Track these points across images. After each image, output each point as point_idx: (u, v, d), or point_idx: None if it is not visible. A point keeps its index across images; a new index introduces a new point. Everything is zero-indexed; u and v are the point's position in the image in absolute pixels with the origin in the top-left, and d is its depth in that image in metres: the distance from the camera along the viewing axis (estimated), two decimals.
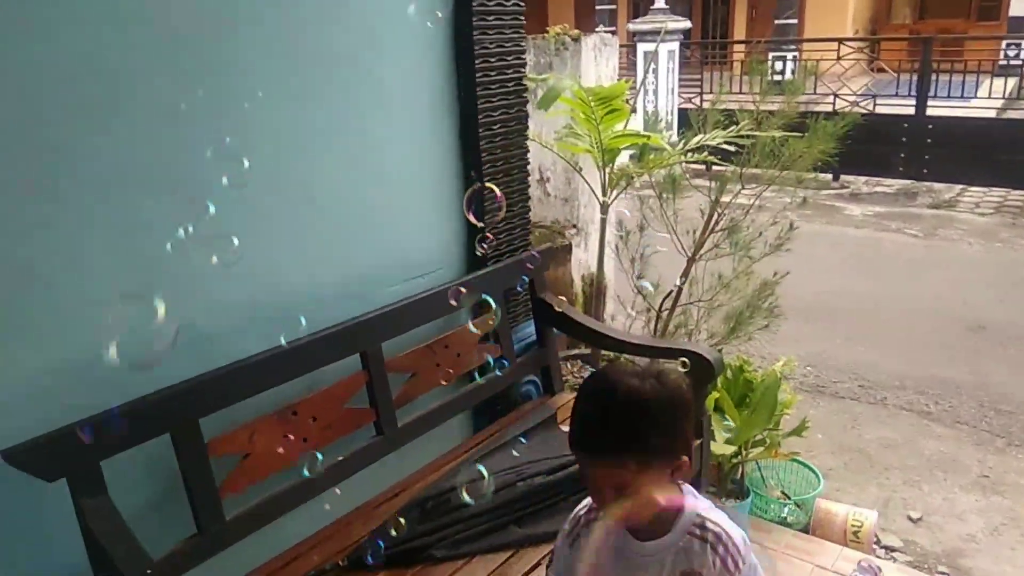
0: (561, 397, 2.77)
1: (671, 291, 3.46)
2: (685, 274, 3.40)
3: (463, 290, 2.29)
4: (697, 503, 1.38)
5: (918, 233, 7.30)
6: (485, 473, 2.16)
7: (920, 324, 5.14)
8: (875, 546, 2.86)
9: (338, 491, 2.04)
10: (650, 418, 1.28)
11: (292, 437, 1.94)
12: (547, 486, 2.10)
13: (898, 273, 6.20)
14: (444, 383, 2.38)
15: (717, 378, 2.43)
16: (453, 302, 1.97)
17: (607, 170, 3.32)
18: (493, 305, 1.96)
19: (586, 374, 3.37)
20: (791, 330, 3.62)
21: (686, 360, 2.02)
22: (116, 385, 1.65)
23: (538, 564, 1.90)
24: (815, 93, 8.64)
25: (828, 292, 5.49)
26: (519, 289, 2.70)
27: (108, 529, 1.54)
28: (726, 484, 2.88)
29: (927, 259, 6.58)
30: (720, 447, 2.72)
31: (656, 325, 3.46)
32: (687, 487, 1.39)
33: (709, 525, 1.35)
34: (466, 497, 2.05)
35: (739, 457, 2.84)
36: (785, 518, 2.96)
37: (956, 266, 6.34)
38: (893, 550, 2.94)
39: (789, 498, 3.01)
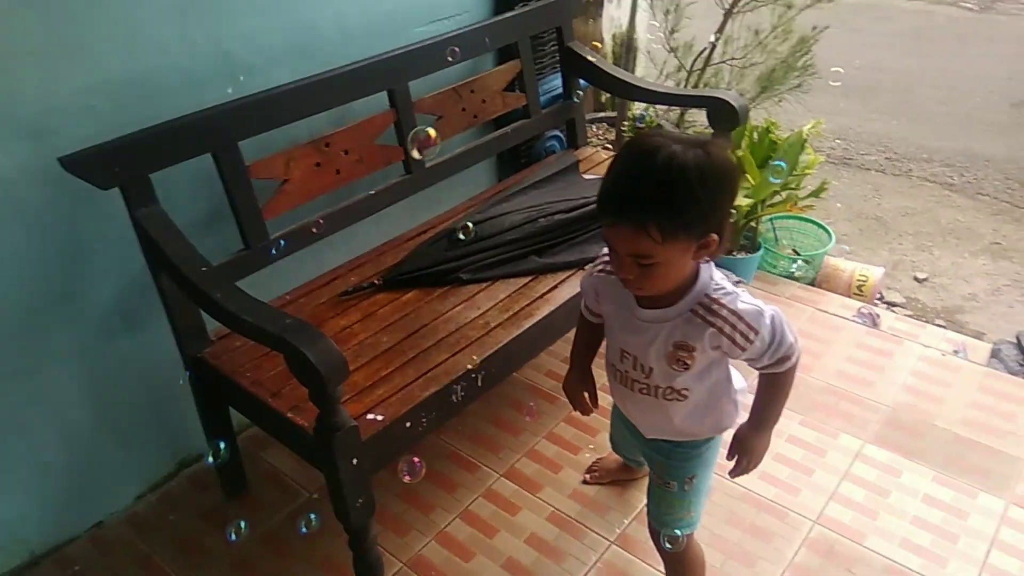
0: (585, 151, 2.82)
1: (704, 49, 3.37)
2: (720, 30, 3.28)
3: (487, 39, 2.27)
4: (711, 283, 1.33)
5: (974, 7, 6.81)
6: (508, 209, 2.29)
7: (960, 99, 4.98)
8: (878, 301, 3.02)
9: (371, 223, 2.20)
10: (686, 186, 1.18)
11: (326, 167, 2.05)
12: (566, 222, 2.22)
13: (946, 48, 5.89)
14: (470, 127, 2.44)
15: (741, 125, 2.45)
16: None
17: None
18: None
19: (611, 136, 3.39)
20: (824, 103, 3.55)
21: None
22: (162, 105, 1.76)
23: (555, 287, 2.07)
24: None
25: (869, 66, 5.27)
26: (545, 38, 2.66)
27: (163, 232, 1.69)
28: (739, 238, 3.00)
29: (979, 33, 6.21)
30: (738, 199, 2.80)
31: (686, 84, 3.41)
32: (710, 266, 1.34)
33: (715, 307, 1.30)
34: (490, 229, 2.20)
35: (757, 212, 2.93)
36: (793, 273, 3.10)
37: (1008, 42, 5.98)
38: (895, 305, 3.10)
39: (799, 254, 3.14)
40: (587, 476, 2.15)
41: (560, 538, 1.99)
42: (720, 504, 2.04)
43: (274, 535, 2.01)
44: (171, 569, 1.92)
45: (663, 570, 1.87)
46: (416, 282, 2.10)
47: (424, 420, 1.73)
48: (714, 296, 1.31)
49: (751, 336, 1.30)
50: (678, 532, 1.58)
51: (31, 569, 1.90)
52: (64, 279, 1.80)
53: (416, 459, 1.66)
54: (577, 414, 1.72)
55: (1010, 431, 2.27)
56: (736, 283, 1.38)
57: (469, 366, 1.81)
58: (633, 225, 1.20)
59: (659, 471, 1.59)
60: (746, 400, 1.51)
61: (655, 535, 1.64)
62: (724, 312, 1.30)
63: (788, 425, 2.30)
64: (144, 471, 2.10)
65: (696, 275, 1.32)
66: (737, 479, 1.80)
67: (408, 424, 1.69)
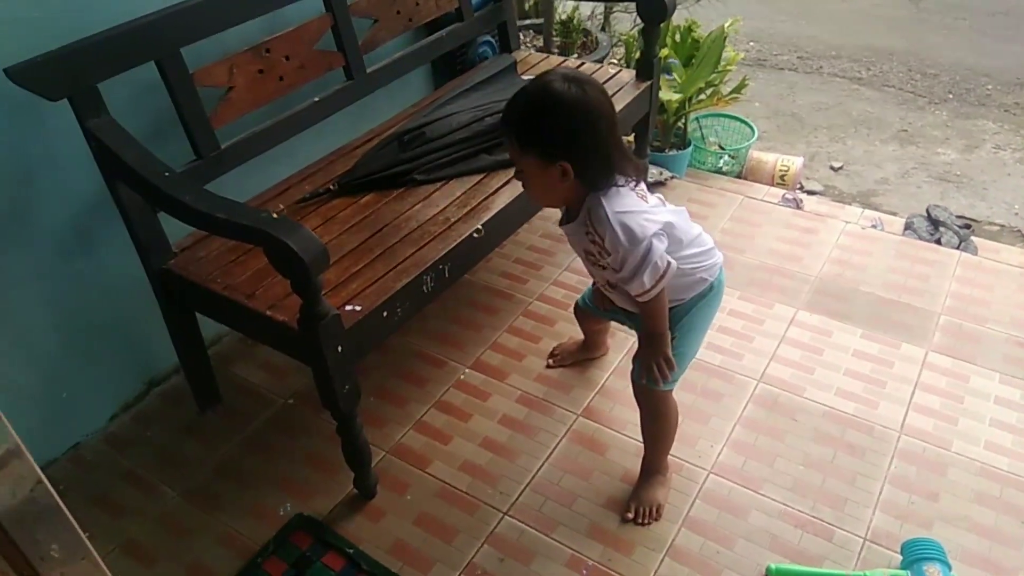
0: (519, 53, 2.86)
1: None
2: None
3: None
4: (601, 198, 1.48)
5: None
6: (453, 111, 2.33)
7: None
8: (799, 190, 3.22)
9: (315, 135, 2.20)
10: (549, 112, 1.43)
11: (268, 74, 2.03)
12: None
13: None
14: (406, 30, 2.45)
15: (668, 18, 2.54)
16: None
17: None
18: None
19: (539, 43, 3.42)
20: (736, 7, 3.66)
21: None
22: (96, 15, 1.71)
23: (508, 182, 2.14)
24: None
25: None
26: None
27: (119, 141, 1.67)
28: (670, 136, 3.12)
29: None
30: (667, 94, 2.91)
31: None
32: (618, 193, 1.49)
33: (593, 218, 1.49)
34: (438, 130, 2.24)
35: (685, 108, 3.05)
36: (720, 167, 3.27)
37: None
38: (814, 193, 3.31)
39: (724, 149, 3.30)
40: (549, 360, 2.28)
41: (530, 416, 2.12)
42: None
43: (254, 440, 2.07)
44: (156, 480, 1.96)
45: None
46: (371, 186, 2.13)
47: (399, 309, 1.80)
48: (599, 212, 1.49)
49: (610, 251, 1.51)
50: (654, 386, 1.73)
51: None
52: (13, 201, 1.76)
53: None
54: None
55: (925, 290, 2.51)
56: (658, 196, 1.61)
57: (475, 234, 1.93)
58: (506, 134, 1.49)
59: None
60: (706, 246, 1.65)
61: (636, 388, 1.79)
62: (599, 227, 1.50)
63: (728, 301, 2.47)
64: (116, 391, 2.11)
65: (583, 198, 1.53)
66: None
67: (385, 313, 1.75)
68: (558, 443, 2.04)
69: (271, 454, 2.03)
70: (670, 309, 1.64)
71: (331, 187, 2.10)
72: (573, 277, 2.62)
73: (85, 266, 1.93)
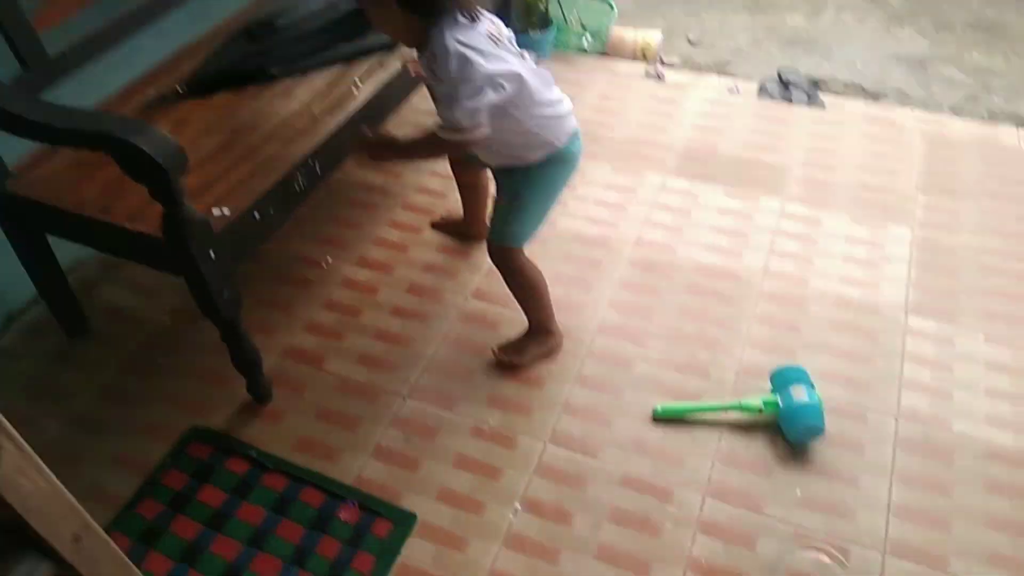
0: None
1: None
2: None
3: None
4: (444, 28, 1.50)
5: None
6: None
7: None
8: (659, 64, 3.28)
9: (153, 38, 2.04)
10: None
11: None
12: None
13: None
14: None
15: None
16: None
17: None
18: None
19: None
20: None
21: None
22: None
23: (370, 70, 2.07)
24: None
25: None
26: None
27: None
28: (532, 17, 3.09)
29: None
30: None
31: None
32: (462, 23, 1.52)
33: (434, 44, 1.51)
34: (289, 20, 2.12)
35: None
36: (584, 47, 3.28)
37: None
38: (674, 66, 3.39)
39: (585, 28, 3.30)
40: (434, 221, 2.36)
41: (421, 303, 2.14)
42: (556, 247, 2.27)
43: (135, 362, 2.00)
44: (32, 417, 1.87)
45: (517, 308, 2.09)
46: (223, 84, 2.00)
47: (271, 210, 1.74)
48: (439, 39, 1.50)
49: (441, 77, 1.52)
50: (502, 243, 1.81)
51: None
52: None
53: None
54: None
55: (780, 147, 2.67)
56: (522, 51, 1.66)
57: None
58: None
59: (497, 191, 1.83)
60: (559, 113, 1.68)
61: (490, 248, 1.85)
62: (437, 50, 1.51)
63: (600, 174, 2.54)
64: None
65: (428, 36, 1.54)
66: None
67: (257, 215, 1.69)
68: (450, 326, 2.08)
69: (155, 373, 1.97)
70: (513, 169, 1.72)
71: (178, 89, 1.97)
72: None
73: None
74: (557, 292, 2.15)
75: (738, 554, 1.59)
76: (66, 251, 2.07)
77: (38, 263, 1.88)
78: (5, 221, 1.76)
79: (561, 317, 2.05)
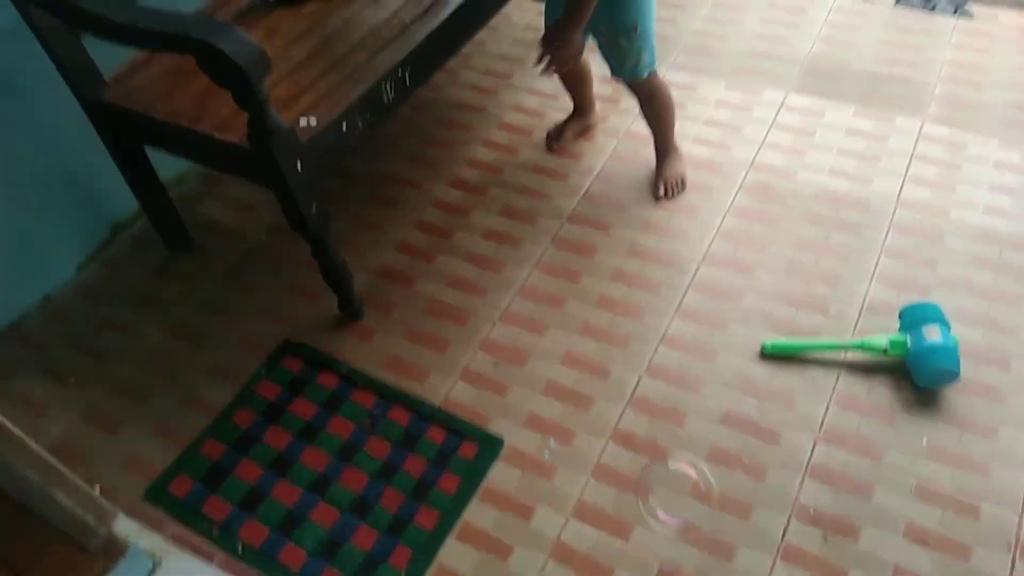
0: None
1: None
2: None
3: None
4: None
5: None
6: None
7: None
8: None
9: None
10: None
11: None
12: None
13: None
14: None
15: None
16: None
17: None
18: None
19: None
20: None
21: None
22: None
23: None
24: None
25: None
26: None
27: None
28: None
29: None
30: None
31: None
32: None
33: None
34: None
35: None
36: None
37: None
38: None
39: None
40: (551, 145, 2.23)
41: (513, 227, 2.04)
42: None
43: (232, 276, 2.01)
44: (135, 322, 1.92)
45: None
46: None
47: (359, 122, 1.67)
48: None
49: None
50: (641, 75, 1.86)
51: None
52: None
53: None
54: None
55: (920, 60, 2.37)
56: None
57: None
58: None
59: (607, 35, 1.81)
60: None
61: (633, 88, 1.92)
62: None
63: (712, 91, 2.34)
64: (79, 241, 2.02)
65: None
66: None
67: (344, 126, 1.63)
68: (544, 250, 1.98)
69: (252, 288, 1.97)
70: (624, 2, 1.72)
71: None
72: (548, 84, 2.46)
73: (9, 109, 1.78)
74: (659, 216, 2.01)
75: (851, 503, 1.45)
76: (169, 166, 2.10)
77: (138, 175, 1.90)
78: (103, 131, 1.77)
79: (664, 245, 1.91)
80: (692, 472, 1.52)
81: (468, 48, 2.42)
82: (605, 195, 2.10)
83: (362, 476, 1.57)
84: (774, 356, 1.68)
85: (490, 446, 1.59)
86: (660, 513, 1.46)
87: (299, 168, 1.52)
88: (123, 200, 2.03)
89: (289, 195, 1.54)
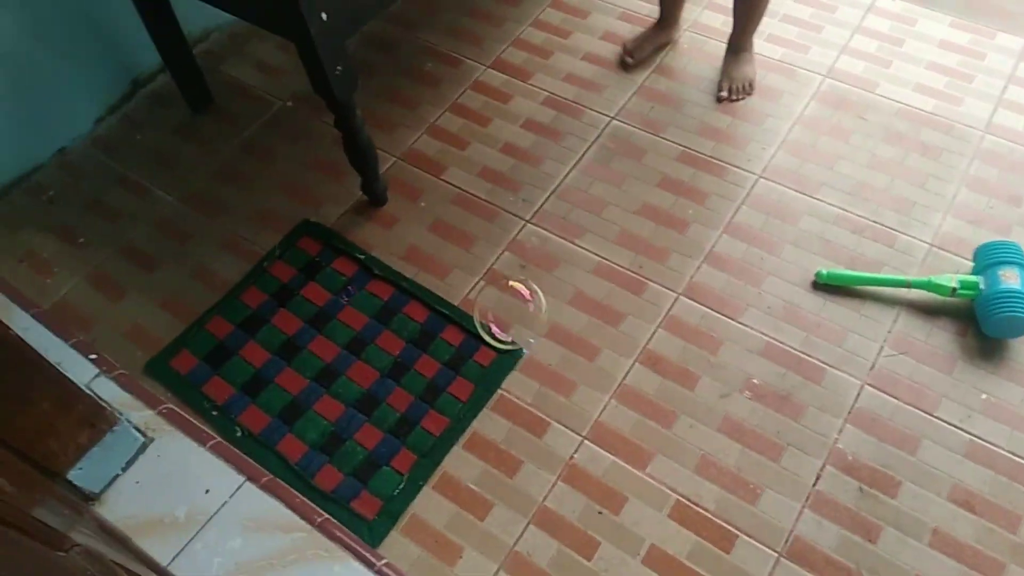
0: None
1: None
2: None
3: None
4: None
5: None
6: None
7: None
8: None
9: None
10: None
11: None
12: None
13: None
14: None
15: None
16: None
17: None
18: None
19: None
20: None
21: None
22: None
23: None
24: None
25: None
26: None
27: None
28: None
29: None
30: None
31: None
32: None
33: None
34: None
35: None
36: None
37: None
38: None
39: None
40: (628, 59, 1.95)
41: (558, 119, 1.87)
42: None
43: (252, 144, 1.88)
44: (151, 184, 1.81)
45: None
46: None
47: None
48: None
49: None
50: None
51: (2, 200, 1.79)
52: None
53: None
54: None
55: None
56: None
57: None
58: None
59: None
60: None
61: None
62: None
63: None
64: (99, 93, 1.89)
65: None
66: None
67: None
68: (588, 148, 1.81)
69: (272, 158, 1.85)
70: None
71: None
72: None
73: None
74: (719, 120, 1.83)
75: (893, 455, 1.33)
76: (193, 20, 1.94)
77: (162, 27, 1.75)
78: None
79: (721, 152, 1.74)
80: (726, 404, 1.41)
81: None
82: (661, 92, 1.90)
83: (371, 372, 1.49)
84: (828, 286, 1.54)
85: (508, 353, 1.49)
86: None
87: (324, 18, 1.35)
88: (146, 54, 1.89)
89: (312, 48, 1.38)
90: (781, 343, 1.47)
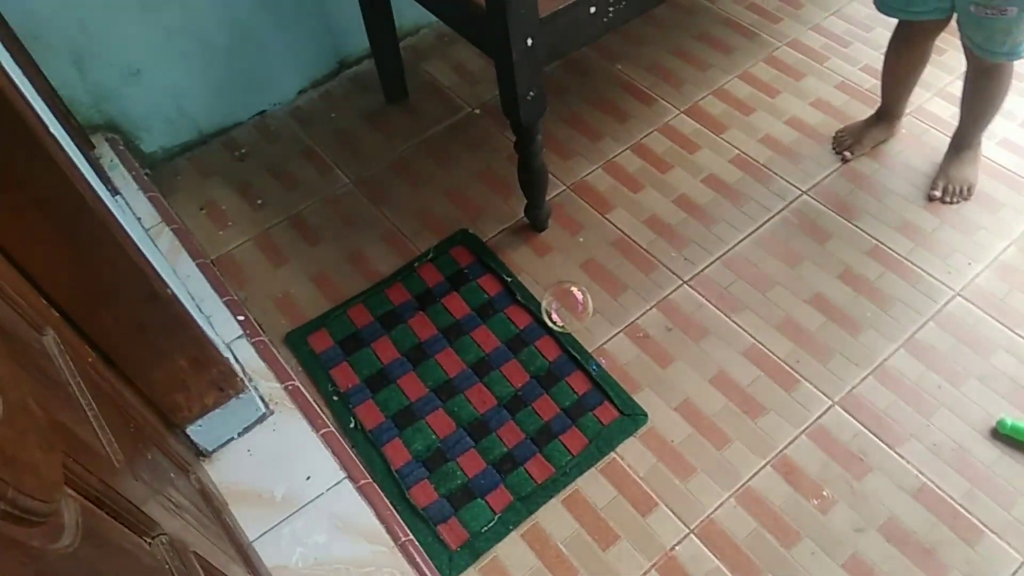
0: None
1: None
2: None
3: None
4: None
5: None
6: None
7: None
8: None
9: None
10: None
11: None
12: None
13: None
14: None
15: None
16: None
17: None
18: None
19: None
20: None
21: None
22: None
23: None
24: None
25: None
26: None
27: None
28: None
29: None
30: None
31: None
32: None
33: None
34: None
35: None
36: None
37: None
38: None
39: None
40: (846, 153, 1.78)
41: (743, 181, 1.76)
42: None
43: (433, 144, 1.91)
44: (333, 162, 1.88)
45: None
46: None
47: (611, 9, 1.44)
48: None
49: None
50: (1019, 52, 1.46)
51: (200, 147, 1.92)
52: None
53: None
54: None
55: None
56: None
57: None
58: None
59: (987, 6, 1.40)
60: None
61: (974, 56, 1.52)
62: None
63: None
64: (306, 66, 1.99)
65: None
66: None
67: (592, 9, 1.41)
68: (769, 219, 1.69)
69: (448, 162, 1.87)
70: None
71: None
72: (840, 25, 2.07)
73: None
74: (925, 220, 1.65)
75: None
76: (407, 15, 2.00)
77: (377, 17, 1.81)
78: None
79: (918, 257, 1.57)
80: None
81: None
82: (865, 175, 1.75)
83: (490, 398, 1.46)
84: (1011, 439, 1.34)
85: (631, 418, 1.42)
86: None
87: (528, 43, 1.34)
88: (356, 38, 1.97)
89: (510, 70, 1.37)
90: (939, 489, 1.30)
